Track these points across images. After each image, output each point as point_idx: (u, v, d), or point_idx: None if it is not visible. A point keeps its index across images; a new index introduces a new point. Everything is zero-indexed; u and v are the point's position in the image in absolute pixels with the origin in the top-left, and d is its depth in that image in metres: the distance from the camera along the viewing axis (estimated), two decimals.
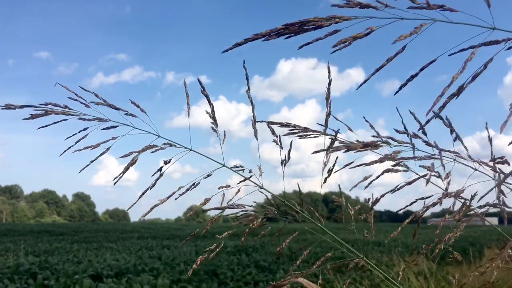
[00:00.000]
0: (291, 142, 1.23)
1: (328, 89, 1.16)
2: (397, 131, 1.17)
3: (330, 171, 1.22)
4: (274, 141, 1.24)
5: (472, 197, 1.12)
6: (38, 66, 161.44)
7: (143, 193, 1.12)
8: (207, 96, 1.19)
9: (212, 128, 1.22)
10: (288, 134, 1.23)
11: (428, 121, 0.82)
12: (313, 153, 1.13)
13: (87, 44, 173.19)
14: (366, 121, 1.27)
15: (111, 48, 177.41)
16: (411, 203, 1.21)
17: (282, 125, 1.23)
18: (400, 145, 1.13)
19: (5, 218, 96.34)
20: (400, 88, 0.75)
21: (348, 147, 1.00)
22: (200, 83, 1.18)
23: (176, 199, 1.13)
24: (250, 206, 1.23)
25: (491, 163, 1.10)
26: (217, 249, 1.21)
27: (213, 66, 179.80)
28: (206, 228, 1.17)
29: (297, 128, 1.23)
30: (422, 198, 1.17)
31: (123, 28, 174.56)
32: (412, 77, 0.73)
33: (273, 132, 1.25)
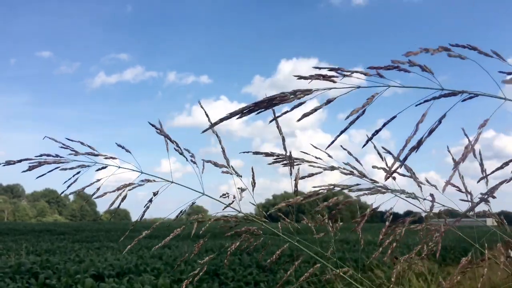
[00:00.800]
0: (252, 168, 1.30)
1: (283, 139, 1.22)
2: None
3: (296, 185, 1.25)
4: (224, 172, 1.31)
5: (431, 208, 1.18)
6: (39, 65, 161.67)
7: (136, 221, 1.38)
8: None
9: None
10: (274, 163, 1.30)
11: (391, 174, 0.88)
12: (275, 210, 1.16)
13: (89, 43, 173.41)
14: (344, 149, 1.29)
15: (112, 48, 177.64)
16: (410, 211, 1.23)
17: (267, 154, 1.30)
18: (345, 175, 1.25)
19: (6, 217, 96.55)
20: (367, 141, 0.83)
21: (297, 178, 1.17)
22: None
23: (167, 226, 1.31)
24: (242, 214, 1.30)
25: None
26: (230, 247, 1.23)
27: (214, 66, 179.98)
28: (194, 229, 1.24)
29: (281, 157, 1.28)
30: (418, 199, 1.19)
31: (125, 27, 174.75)
32: (377, 131, 0.81)
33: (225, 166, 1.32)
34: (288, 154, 1.27)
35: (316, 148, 1.30)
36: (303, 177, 1.20)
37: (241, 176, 1.30)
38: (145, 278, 9.36)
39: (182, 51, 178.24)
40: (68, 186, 1.26)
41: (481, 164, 1.22)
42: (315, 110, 0.79)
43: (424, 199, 1.23)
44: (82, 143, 1.27)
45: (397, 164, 0.81)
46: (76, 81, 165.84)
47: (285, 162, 1.28)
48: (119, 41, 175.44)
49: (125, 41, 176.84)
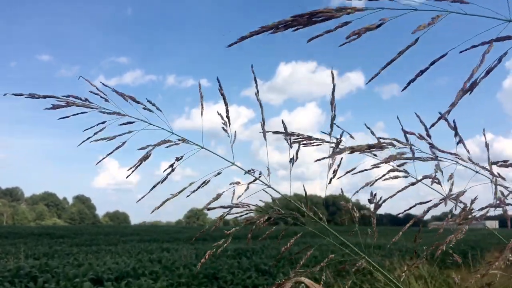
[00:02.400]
0: (299, 144, 1.26)
1: (333, 94, 1.19)
2: (405, 132, 1.17)
3: (335, 172, 1.24)
4: (285, 139, 1.26)
5: (473, 201, 1.13)
6: (39, 69, 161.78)
7: (154, 187, 1.15)
8: (223, 95, 1.22)
9: (223, 128, 1.24)
10: (293, 142, 1.27)
11: (438, 120, 0.82)
12: (317, 160, 1.14)
13: (89, 46, 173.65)
14: (368, 127, 1.27)
15: (112, 51, 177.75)
16: (410, 208, 1.22)
17: (287, 134, 1.26)
18: (405, 147, 1.12)
19: (5, 220, 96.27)
20: (409, 83, 0.74)
21: (353, 148, 0.99)
22: (220, 84, 1.21)
23: (188, 196, 1.15)
24: (255, 205, 1.24)
25: (491, 166, 1.10)
26: (219, 249, 1.22)
27: (214, 69, 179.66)
28: (216, 225, 1.18)
29: (301, 137, 1.26)
30: (422, 203, 1.18)
31: (124, 30, 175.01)
32: (422, 72, 0.72)
33: (285, 130, 1.27)
34: (304, 134, 1.25)
35: (339, 127, 1.26)
36: (369, 147, 1.04)
37: (291, 147, 1.26)
38: (143, 281, 9.32)
39: (181, 55, 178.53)
40: (95, 133, 1.13)
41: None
42: (367, 29, 0.67)
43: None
44: (116, 91, 1.15)
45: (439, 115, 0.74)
46: (76, 85, 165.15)
47: (305, 142, 1.26)
48: (118, 45, 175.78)
49: (125, 45, 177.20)
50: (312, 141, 1.26)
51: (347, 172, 1.24)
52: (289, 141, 1.27)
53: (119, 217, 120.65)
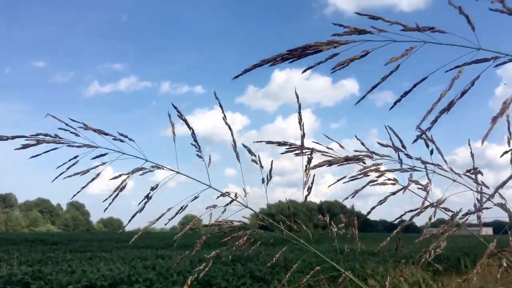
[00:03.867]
0: (271, 162, 1.28)
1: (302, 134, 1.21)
2: (380, 144, 1.24)
3: (309, 189, 1.26)
4: (253, 160, 1.29)
5: (458, 211, 1.15)
6: (34, 74, 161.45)
7: (132, 217, 1.21)
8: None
9: (198, 155, 1.27)
10: (286, 152, 1.28)
11: (417, 138, 0.86)
12: (309, 169, 1.16)
13: (84, 53, 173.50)
14: (358, 139, 1.28)
15: (107, 58, 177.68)
16: (401, 215, 1.23)
17: (279, 144, 1.28)
18: (382, 158, 1.18)
19: None
20: (395, 103, 0.80)
21: (330, 162, 1.04)
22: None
23: (165, 224, 1.22)
24: (238, 221, 1.27)
25: (470, 174, 1.13)
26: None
27: (208, 76, 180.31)
28: (199, 244, 1.20)
29: (293, 146, 1.27)
30: (411, 210, 1.19)
31: (120, 37, 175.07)
32: (406, 93, 0.78)
33: (250, 152, 1.30)
34: (296, 144, 1.27)
35: (329, 138, 1.29)
36: (346, 159, 1.10)
37: (262, 167, 1.29)
38: None
39: (176, 62, 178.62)
40: (68, 168, 1.17)
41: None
42: (351, 60, 0.75)
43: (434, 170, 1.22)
44: (85, 125, 1.16)
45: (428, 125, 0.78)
46: (71, 90, 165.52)
47: (297, 152, 1.27)
48: (113, 51, 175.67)
49: (120, 51, 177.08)
50: (304, 150, 1.27)
51: (338, 180, 1.25)
52: (258, 162, 1.29)
53: (113, 224, 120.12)
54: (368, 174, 1.17)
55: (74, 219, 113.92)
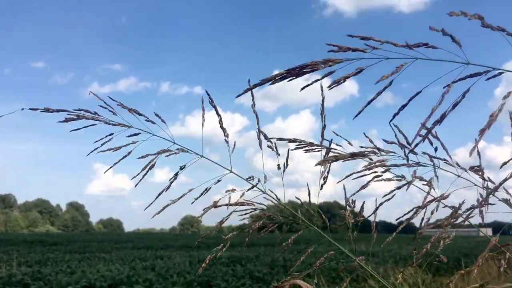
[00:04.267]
0: (288, 150, 1.29)
1: (322, 104, 1.24)
2: (385, 141, 1.26)
3: (325, 179, 1.27)
4: (269, 146, 1.31)
5: (460, 205, 1.16)
6: (34, 75, 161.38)
7: (159, 194, 1.21)
8: (215, 107, 1.27)
9: (225, 140, 1.29)
10: (296, 148, 1.30)
11: (416, 145, 0.89)
12: (317, 164, 1.17)
13: (83, 54, 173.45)
14: (366, 136, 1.31)
15: (106, 58, 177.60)
16: (404, 215, 1.23)
17: (290, 140, 1.31)
18: (387, 154, 1.20)
19: None
20: (393, 117, 0.85)
21: (336, 157, 1.07)
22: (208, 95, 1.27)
23: (192, 203, 1.22)
24: (259, 203, 1.29)
25: (482, 171, 1.14)
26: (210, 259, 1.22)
27: (208, 76, 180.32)
28: (215, 231, 1.22)
29: (303, 143, 1.30)
30: (414, 208, 1.19)
31: (119, 38, 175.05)
32: (403, 106, 0.83)
33: (266, 138, 1.33)
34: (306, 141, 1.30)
35: (337, 135, 1.32)
36: (352, 155, 1.11)
37: (279, 155, 1.32)
38: None
39: (175, 62, 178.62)
40: (102, 144, 1.22)
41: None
42: (346, 78, 0.81)
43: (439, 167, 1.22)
44: (122, 105, 1.24)
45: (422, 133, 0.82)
46: (70, 91, 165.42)
47: (307, 148, 1.30)
48: (113, 52, 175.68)
49: (119, 52, 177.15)
50: (314, 148, 1.29)
51: (338, 182, 1.27)
52: (275, 148, 1.31)
53: (112, 224, 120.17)
54: (374, 170, 1.19)
55: (74, 220, 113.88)
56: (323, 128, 1.30)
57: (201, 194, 1.20)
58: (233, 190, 1.24)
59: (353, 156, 1.09)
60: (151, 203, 1.19)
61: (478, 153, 1.20)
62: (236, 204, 1.25)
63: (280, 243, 1.38)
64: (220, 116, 1.28)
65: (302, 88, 0.85)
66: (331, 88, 0.82)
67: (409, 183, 1.19)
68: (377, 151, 1.20)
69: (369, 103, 0.82)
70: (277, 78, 0.80)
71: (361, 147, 1.24)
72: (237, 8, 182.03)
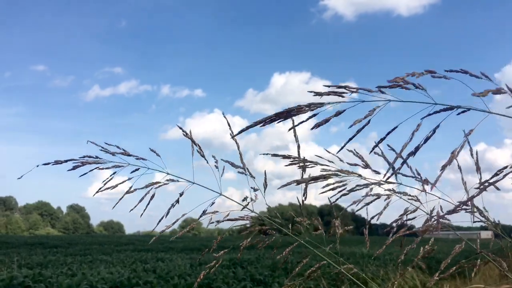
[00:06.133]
0: (265, 172, 1.41)
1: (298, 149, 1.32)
2: (349, 163, 1.39)
3: (305, 195, 1.28)
4: (240, 172, 1.41)
5: (431, 210, 1.24)
6: (34, 79, 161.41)
7: (160, 221, 1.40)
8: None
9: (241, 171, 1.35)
10: (290, 165, 1.35)
11: (401, 165, 0.96)
12: (282, 187, 1.26)
13: (83, 57, 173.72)
14: (349, 151, 1.34)
15: (107, 61, 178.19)
16: (391, 223, 1.26)
17: (284, 157, 1.37)
18: (348, 175, 1.30)
19: None
20: (373, 148, 0.98)
21: (298, 181, 1.18)
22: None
23: (174, 237, 1.24)
24: (249, 217, 1.34)
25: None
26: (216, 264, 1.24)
27: (208, 79, 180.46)
28: (220, 238, 1.28)
29: (296, 160, 1.36)
30: (403, 214, 1.23)
31: (119, 41, 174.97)
32: (381, 139, 0.94)
33: (233, 165, 1.42)
34: (303, 157, 1.36)
35: (329, 152, 1.38)
36: (312, 178, 1.23)
37: (254, 177, 1.40)
38: None
39: (176, 65, 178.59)
40: (104, 184, 1.37)
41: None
42: (326, 121, 0.92)
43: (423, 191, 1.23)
44: (118, 147, 1.38)
45: (397, 165, 0.92)
46: (70, 94, 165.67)
47: (300, 164, 1.35)
48: (113, 55, 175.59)
49: (120, 55, 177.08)
50: (307, 164, 1.35)
51: (320, 193, 1.32)
52: (248, 172, 1.40)
53: (113, 227, 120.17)
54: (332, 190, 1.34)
55: (74, 222, 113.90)
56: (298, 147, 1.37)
57: (200, 216, 1.34)
58: (215, 212, 1.34)
59: (314, 179, 1.20)
60: (161, 219, 1.36)
61: (476, 160, 1.22)
62: (236, 219, 1.35)
63: (278, 248, 1.40)
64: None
65: (290, 129, 1.02)
66: (313, 129, 0.94)
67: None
68: (339, 173, 1.30)
69: (349, 140, 0.92)
70: (267, 120, 0.89)
71: (322, 170, 1.33)
72: (237, 12, 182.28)
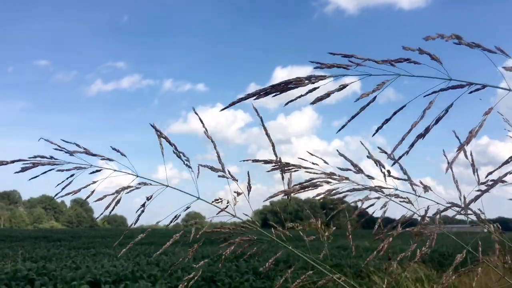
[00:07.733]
0: (247, 173, 1.33)
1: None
2: (340, 168, 1.29)
3: (290, 200, 1.27)
4: (220, 176, 1.32)
5: (426, 211, 1.24)
6: (37, 73, 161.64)
7: (130, 226, 1.36)
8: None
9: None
10: (272, 170, 1.29)
11: (394, 163, 0.96)
12: (268, 199, 1.24)
13: (86, 52, 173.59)
14: (341, 154, 1.34)
15: (110, 56, 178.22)
16: (398, 220, 1.25)
17: (265, 162, 1.30)
18: (340, 182, 1.24)
19: (3, 223, 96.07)
20: (377, 130, 0.85)
21: (285, 191, 1.15)
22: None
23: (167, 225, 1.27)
24: (227, 228, 1.32)
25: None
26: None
27: (210, 74, 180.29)
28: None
29: (279, 164, 1.28)
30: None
31: (122, 36, 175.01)
32: (387, 120, 0.84)
33: (212, 169, 1.33)
34: (282, 161, 1.29)
35: (312, 155, 1.29)
36: (299, 184, 1.20)
37: (237, 180, 1.30)
38: (141, 285, 9.31)
39: (179, 60, 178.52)
40: (63, 188, 1.23)
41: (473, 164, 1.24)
42: (328, 94, 0.81)
43: (418, 197, 1.23)
44: (77, 145, 1.24)
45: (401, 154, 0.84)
46: (73, 89, 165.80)
47: (286, 168, 1.29)
48: (116, 50, 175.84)
49: (122, 50, 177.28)
50: (290, 167, 1.30)
51: (313, 197, 1.31)
52: (230, 176, 1.32)
53: (116, 220, 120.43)
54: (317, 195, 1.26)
55: (78, 216, 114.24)
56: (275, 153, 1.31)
57: (171, 222, 1.29)
58: (196, 222, 1.29)
59: (303, 188, 1.16)
60: (131, 225, 1.34)
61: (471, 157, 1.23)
62: (209, 232, 1.32)
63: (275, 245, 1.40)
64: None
65: (287, 103, 0.85)
66: (314, 103, 0.82)
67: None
68: (330, 180, 1.23)
69: (352, 117, 0.83)
70: (261, 93, 0.81)
71: (311, 178, 1.24)
72: (239, 6, 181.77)
